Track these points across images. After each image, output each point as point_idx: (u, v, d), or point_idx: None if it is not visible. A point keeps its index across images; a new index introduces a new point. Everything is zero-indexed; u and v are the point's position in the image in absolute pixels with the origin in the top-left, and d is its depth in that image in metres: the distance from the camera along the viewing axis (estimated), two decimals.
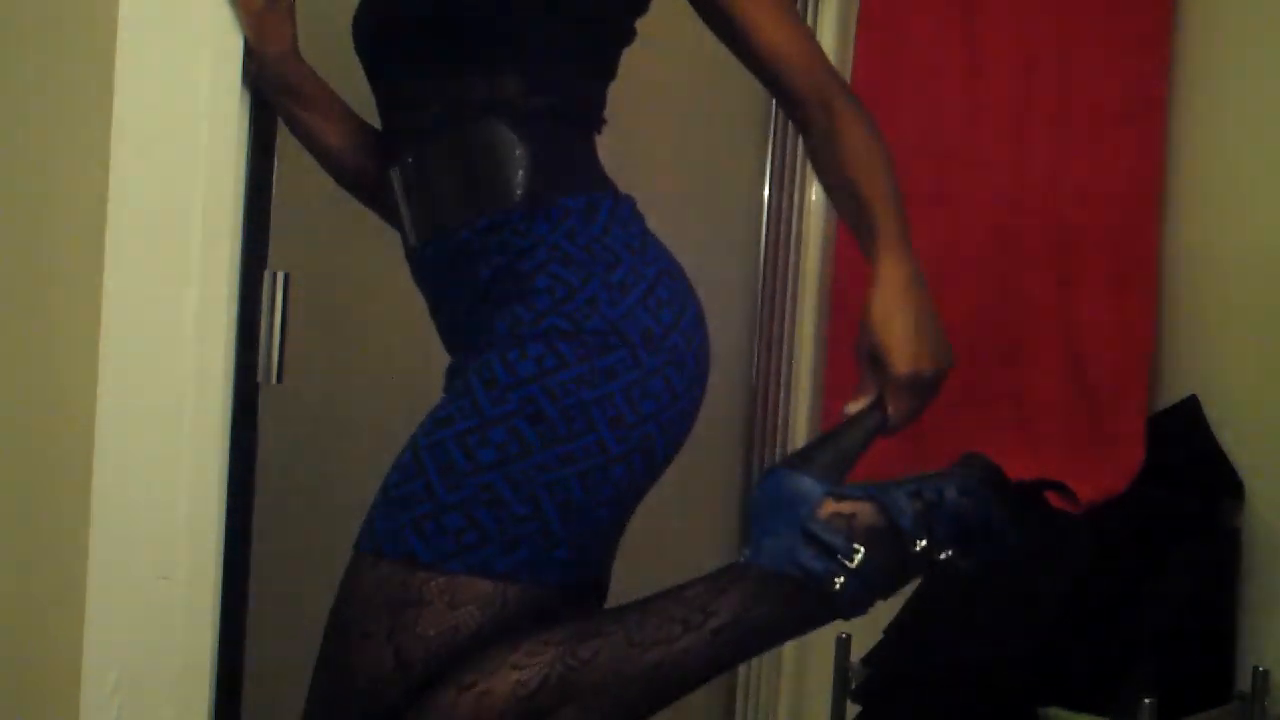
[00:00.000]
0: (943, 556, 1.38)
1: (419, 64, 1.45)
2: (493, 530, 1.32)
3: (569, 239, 1.38)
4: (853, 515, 1.37)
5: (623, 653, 1.34)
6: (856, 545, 1.36)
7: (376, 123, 1.58)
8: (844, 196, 1.54)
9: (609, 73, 1.52)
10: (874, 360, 1.46)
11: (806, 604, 1.38)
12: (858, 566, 1.36)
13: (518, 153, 1.40)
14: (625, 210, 1.44)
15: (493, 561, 1.32)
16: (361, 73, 1.56)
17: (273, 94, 1.47)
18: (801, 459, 1.43)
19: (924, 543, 1.37)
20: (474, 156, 1.42)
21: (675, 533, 1.48)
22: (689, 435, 1.44)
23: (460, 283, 1.43)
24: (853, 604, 1.37)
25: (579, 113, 1.47)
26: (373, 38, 1.51)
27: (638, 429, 1.36)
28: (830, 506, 1.38)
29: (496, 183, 1.40)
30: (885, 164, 1.53)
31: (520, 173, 1.40)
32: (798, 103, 1.55)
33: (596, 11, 1.46)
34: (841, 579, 1.35)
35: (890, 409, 1.46)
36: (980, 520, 1.39)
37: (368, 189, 1.59)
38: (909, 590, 2.29)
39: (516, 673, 1.31)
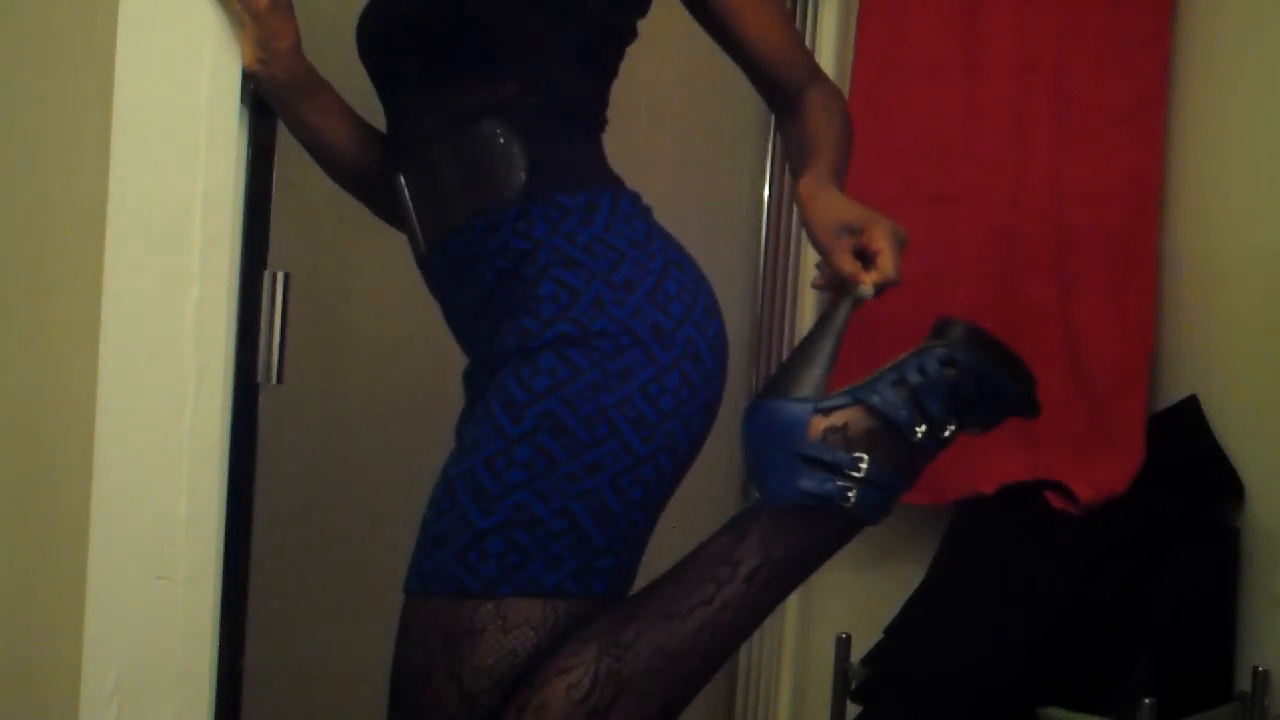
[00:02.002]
0: (948, 433, 1.37)
1: (420, 70, 1.45)
2: (533, 549, 1.32)
3: (569, 241, 1.38)
4: (845, 425, 1.35)
5: (663, 627, 1.33)
6: (858, 455, 1.34)
7: (380, 125, 1.58)
8: (794, 145, 1.56)
9: (609, 71, 1.51)
10: (845, 236, 1.42)
11: (829, 525, 1.37)
12: (866, 475, 1.34)
13: (513, 151, 1.40)
14: (628, 205, 1.43)
15: (539, 579, 1.32)
16: (357, 75, 1.56)
17: (279, 92, 1.46)
18: (778, 383, 1.40)
19: (923, 428, 1.35)
20: (470, 158, 1.42)
21: (675, 532, 1.48)
22: (710, 428, 1.44)
23: (467, 287, 1.43)
24: (874, 511, 1.36)
25: (577, 111, 1.47)
26: (376, 45, 1.51)
27: (661, 427, 1.35)
28: (820, 423, 1.36)
29: (492, 183, 1.40)
30: (842, 124, 1.55)
31: (515, 171, 1.40)
32: (779, 93, 1.59)
33: (593, 13, 1.46)
34: (854, 492, 1.33)
35: (889, 263, 1.41)
36: (974, 382, 1.37)
37: (369, 189, 1.59)
38: (909, 590, 2.30)
39: (565, 677, 1.30)
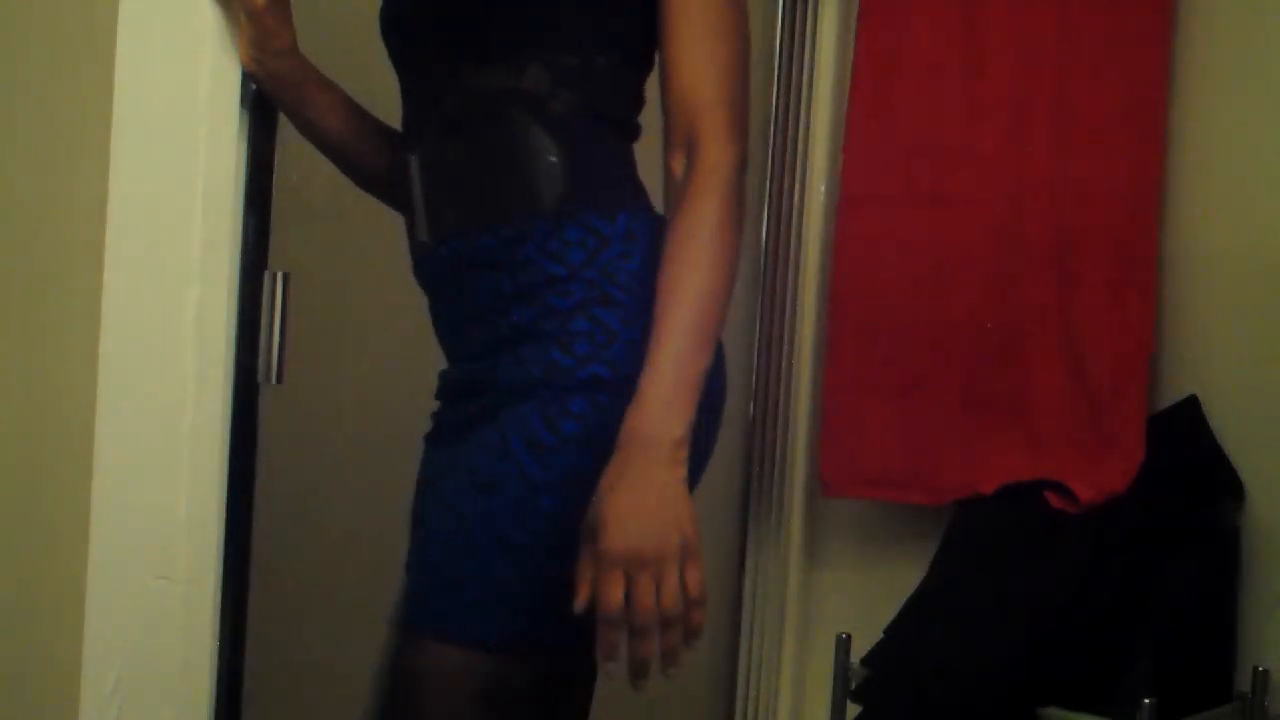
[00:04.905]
0: None
1: (442, 49, 1.39)
2: (553, 604, 1.27)
3: (608, 279, 1.31)
4: None
5: None
6: None
7: (381, 115, 1.56)
8: (659, 274, 1.28)
9: (645, 60, 1.40)
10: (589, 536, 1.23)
11: None
12: None
13: (551, 157, 1.33)
14: (661, 231, 1.32)
15: (554, 635, 1.29)
16: (357, 71, 1.56)
17: (279, 92, 1.45)
18: None
19: None
20: (496, 154, 1.35)
21: None
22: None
23: (474, 290, 1.37)
24: None
25: (613, 112, 1.39)
26: (397, 21, 1.45)
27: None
28: None
29: (521, 188, 1.34)
30: (709, 280, 1.26)
31: (548, 180, 1.33)
32: (669, 133, 1.32)
33: None
34: None
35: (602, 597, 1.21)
36: None
37: (380, 185, 1.57)
38: (909, 590, 2.30)
39: None
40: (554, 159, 1.34)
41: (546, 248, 1.32)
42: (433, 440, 1.47)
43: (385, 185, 1.56)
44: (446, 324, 1.44)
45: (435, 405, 1.48)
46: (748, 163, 1.32)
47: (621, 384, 1.27)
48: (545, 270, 1.32)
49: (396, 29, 1.46)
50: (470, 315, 1.39)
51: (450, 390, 1.44)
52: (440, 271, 1.41)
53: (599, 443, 1.26)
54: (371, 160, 1.55)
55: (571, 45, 1.35)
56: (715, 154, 1.29)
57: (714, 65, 1.30)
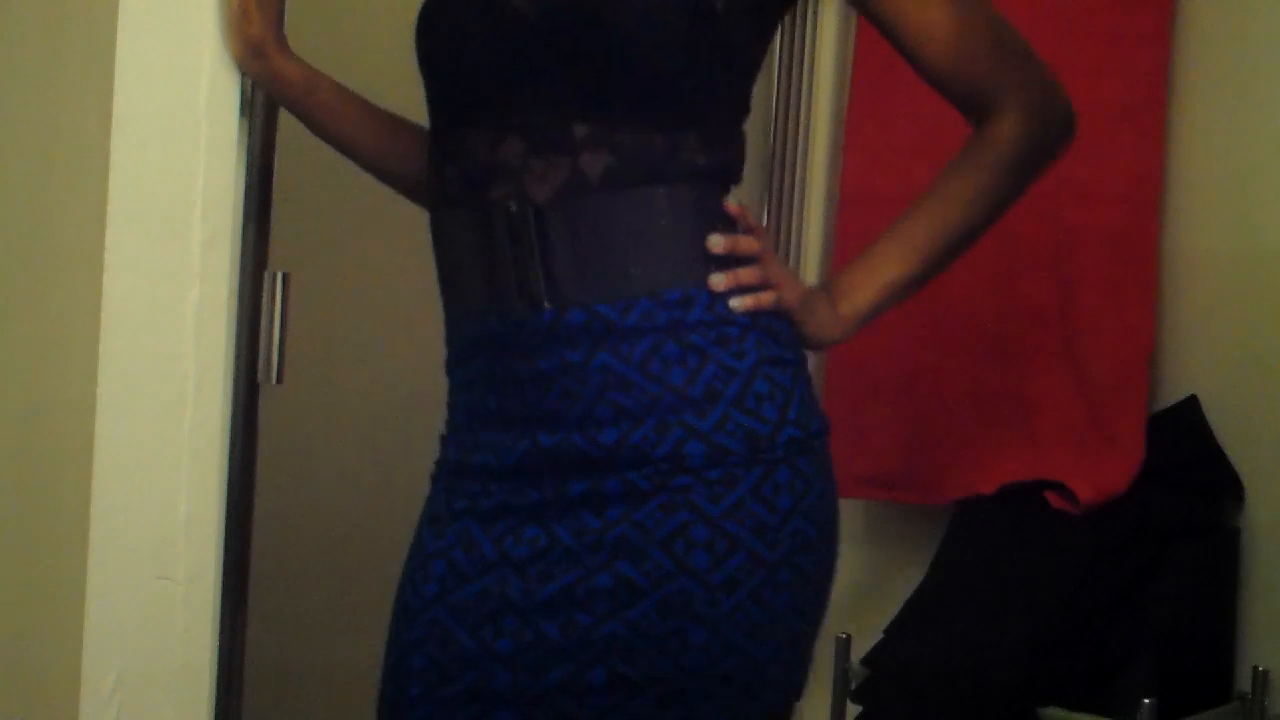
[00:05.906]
0: None
1: (575, 101, 1.27)
2: (797, 663, 1.35)
3: (773, 336, 1.32)
4: None
5: None
6: None
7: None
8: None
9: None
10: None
11: None
12: None
13: (709, 227, 1.31)
14: None
15: (798, 689, 1.36)
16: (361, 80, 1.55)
17: (281, 95, 1.43)
18: None
19: None
20: (666, 224, 1.29)
21: None
22: None
23: (613, 353, 1.27)
24: None
25: (737, 175, 1.38)
26: (481, 54, 1.30)
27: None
28: None
29: (694, 258, 1.30)
30: (1000, 183, 1.51)
31: (696, 248, 1.31)
32: (955, 101, 1.46)
33: (755, 54, 1.36)
34: None
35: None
36: None
37: (406, 183, 1.49)
38: (909, 590, 2.30)
39: None
40: (713, 227, 1.32)
41: (715, 308, 1.30)
42: (517, 517, 1.31)
43: (411, 184, 1.48)
44: (518, 389, 1.31)
45: (476, 477, 1.35)
46: (1058, 106, 1.49)
47: (811, 441, 1.31)
48: (718, 329, 1.29)
49: (487, 61, 1.30)
50: (587, 380, 1.28)
51: (532, 465, 1.31)
52: (547, 336, 1.29)
53: (809, 508, 1.30)
54: (395, 164, 1.49)
55: (724, 113, 1.34)
56: (1016, 100, 1.48)
57: (958, 17, 1.41)
